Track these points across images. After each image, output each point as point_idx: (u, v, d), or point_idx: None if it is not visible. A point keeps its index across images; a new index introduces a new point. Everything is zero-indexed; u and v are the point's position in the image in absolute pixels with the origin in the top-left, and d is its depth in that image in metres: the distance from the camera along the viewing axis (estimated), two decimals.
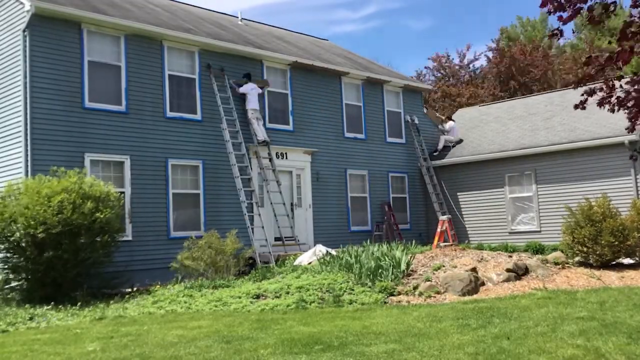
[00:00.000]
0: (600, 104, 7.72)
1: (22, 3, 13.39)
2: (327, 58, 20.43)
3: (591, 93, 7.60)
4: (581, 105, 7.98)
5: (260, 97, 16.88)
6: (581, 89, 8.27)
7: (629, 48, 6.38)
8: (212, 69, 16.20)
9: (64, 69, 13.62)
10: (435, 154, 21.52)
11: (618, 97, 7.68)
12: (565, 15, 6.35)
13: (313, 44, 22.91)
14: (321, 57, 20.23)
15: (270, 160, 16.75)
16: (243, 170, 15.92)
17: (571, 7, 6.30)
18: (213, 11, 21.96)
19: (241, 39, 17.97)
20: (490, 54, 38.89)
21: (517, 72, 36.81)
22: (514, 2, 59.91)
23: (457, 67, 39.85)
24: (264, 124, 16.97)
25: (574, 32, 37.79)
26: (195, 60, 16.02)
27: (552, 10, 6.39)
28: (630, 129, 7.99)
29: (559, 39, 7.01)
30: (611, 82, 7.61)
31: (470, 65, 40.00)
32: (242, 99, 16.58)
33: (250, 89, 16.48)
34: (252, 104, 16.46)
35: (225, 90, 16.25)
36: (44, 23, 13.42)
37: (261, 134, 16.55)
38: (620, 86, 7.95)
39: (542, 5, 6.41)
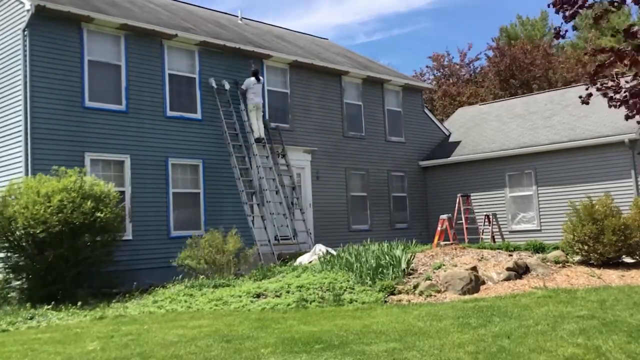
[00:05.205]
0: (605, 95, 7.93)
1: (22, 3, 13.39)
2: (327, 57, 20.42)
3: (594, 84, 7.89)
4: (586, 99, 8.23)
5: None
6: (583, 88, 8.46)
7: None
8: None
9: (64, 69, 13.62)
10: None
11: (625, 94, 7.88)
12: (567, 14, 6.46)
13: (313, 43, 22.89)
14: (321, 56, 20.22)
15: (267, 157, 16.73)
16: (244, 171, 15.92)
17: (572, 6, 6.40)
18: (213, 10, 21.95)
19: (241, 38, 17.96)
20: (490, 53, 38.85)
21: (517, 71, 36.75)
22: (514, 2, 59.88)
23: (457, 67, 39.79)
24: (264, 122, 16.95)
25: (575, 29, 37.70)
26: (196, 60, 16.01)
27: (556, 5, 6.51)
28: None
29: (560, 38, 7.11)
30: (617, 80, 7.84)
31: (471, 65, 39.97)
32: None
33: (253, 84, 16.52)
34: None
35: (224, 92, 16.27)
36: (44, 22, 13.41)
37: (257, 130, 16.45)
38: (626, 82, 8.09)
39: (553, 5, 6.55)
